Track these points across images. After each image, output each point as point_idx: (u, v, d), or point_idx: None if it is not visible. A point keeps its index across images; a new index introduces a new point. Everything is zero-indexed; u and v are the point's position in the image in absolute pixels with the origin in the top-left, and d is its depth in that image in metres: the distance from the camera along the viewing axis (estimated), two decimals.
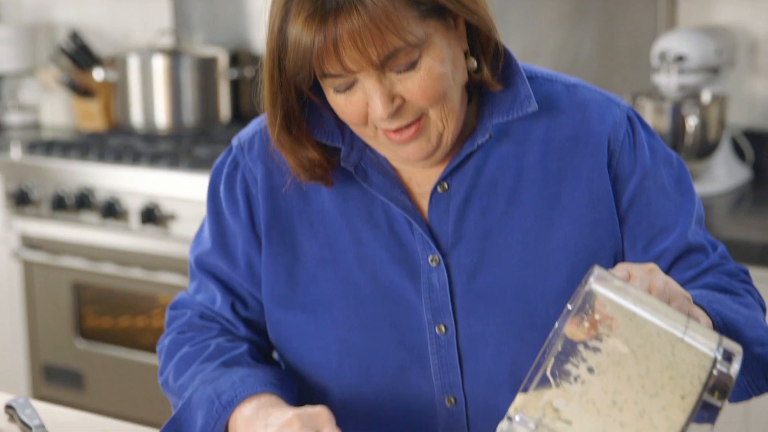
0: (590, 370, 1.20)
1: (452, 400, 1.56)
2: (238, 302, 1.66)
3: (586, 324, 1.20)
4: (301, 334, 1.60)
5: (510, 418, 1.21)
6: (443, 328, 1.55)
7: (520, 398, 1.22)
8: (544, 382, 1.20)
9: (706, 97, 2.98)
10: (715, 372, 1.19)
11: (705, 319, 1.38)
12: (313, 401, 1.62)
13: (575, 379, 1.20)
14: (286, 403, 1.51)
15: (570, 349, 1.20)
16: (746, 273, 1.59)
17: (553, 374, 1.20)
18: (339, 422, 1.58)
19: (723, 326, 1.39)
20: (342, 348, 1.58)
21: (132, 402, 3.48)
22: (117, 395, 3.51)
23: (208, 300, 1.68)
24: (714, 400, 1.19)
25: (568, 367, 1.19)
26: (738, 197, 3.00)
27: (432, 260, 1.56)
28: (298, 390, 1.62)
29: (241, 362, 1.60)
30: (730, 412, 2.61)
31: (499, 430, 1.22)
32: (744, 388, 1.44)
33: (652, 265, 1.33)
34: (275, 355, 1.69)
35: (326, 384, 1.60)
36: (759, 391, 1.45)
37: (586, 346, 1.20)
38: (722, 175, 3.01)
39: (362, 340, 1.57)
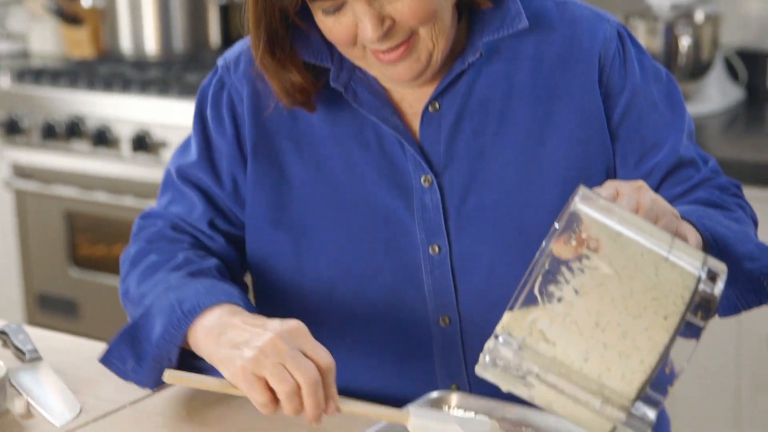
0: (575, 291, 1.20)
1: (446, 319, 1.56)
2: (219, 216, 1.63)
3: (573, 242, 1.20)
4: (292, 256, 1.60)
5: (497, 337, 1.22)
6: (437, 249, 1.55)
7: (506, 317, 1.22)
8: (531, 301, 1.20)
9: (699, 16, 2.96)
10: (698, 291, 1.19)
11: (694, 234, 1.37)
12: (306, 323, 1.61)
13: (559, 300, 1.20)
14: (248, 312, 1.47)
15: (555, 268, 1.20)
16: (738, 187, 1.58)
17: (540, 292, 1.20)
18: (332, 344, 1.58)
19: (712, 241, 1.39)
20: (335, 270, 1.58)
21: None
22: (111, 323, 3.51)
23: (184, 211, 1.64)
24: (697, 320, 1.19)
25: (553, 287, 1.20)
26: (731, 117, 2.99)
27: (424, 180, 1.55)
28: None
29: (208, 275, 1.56)
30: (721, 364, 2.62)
31: (486, 348, 1.22)
32: (733, 303, 1.45)
33: (640, 183, 1.32)
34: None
35: (319, 306, 1.60)
36: (748, 306, 1.46)
37: (570, 267, 1.20)
38: (715, 95, 3.00)
39: (355, 262, 1.57)
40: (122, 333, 1.53)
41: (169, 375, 1.43)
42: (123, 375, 1.54)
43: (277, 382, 1.33)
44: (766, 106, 3.10)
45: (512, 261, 1.52)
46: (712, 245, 1.38)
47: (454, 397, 1.49)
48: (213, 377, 1.42)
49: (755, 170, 2.55)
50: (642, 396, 1.19)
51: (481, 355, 1.22)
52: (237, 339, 1.39)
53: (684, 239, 1.30)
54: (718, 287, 1.20)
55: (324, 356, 1.36)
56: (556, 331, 1.20)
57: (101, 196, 3.42)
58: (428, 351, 1.58)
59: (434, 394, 1.49)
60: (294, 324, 1.39)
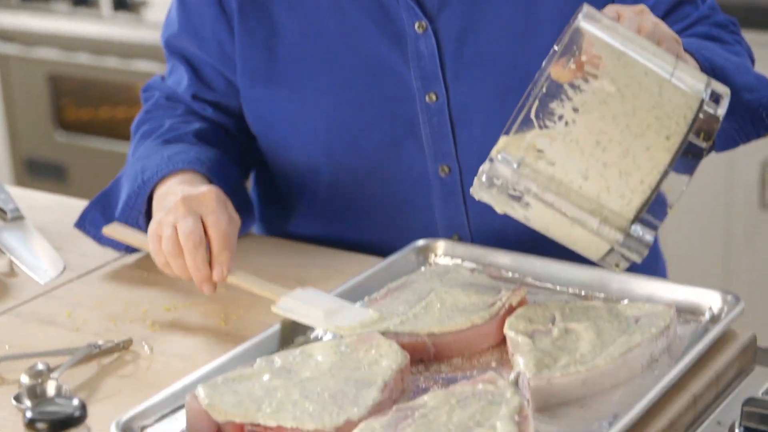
0: (575, 109, 1.17)
1: (446, 169, 1.54)
2: (204, 88, 1.62)
3: (572, 65, 1.17)
4: (287, 112, 1.57)
5: (492, 160, 1.20)
6: (434, 97, 1.52)
7: (502, 140, 1.20)
8: (527, 125, 1.18)
9: None
10: (701, 113, 1.17)
11: (694, 64, 1.35)
12: (304, 181, 1.61)
13: (559, 118, 1.17)
14: (206, 181, 1.49)
15: (555, 90, 1.17)
16: (735, 24, 1.56)
17: (537, 116, 1.17)
18: (332, 199, 1.59)
19: (711, 72, 1.36)
20: (330, 124, 1.55)
21: None
22: (100, 186, 3.50)
23: (175, 83, 1.65)
24: (699, 141, 1.17)
25: (553, 106, 1.17)
26: None
27: (418, 27, 1.51)
28: (238, 175, 1.60)
29: (183, 140, 1.58)
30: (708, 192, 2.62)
31: (481, 171, 1.20)
32: (732, 135, 1.43)
33: (642, 7, 1.29)
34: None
35: (316, 162, 1.58)
36: (746, 138, 1.44)
37: (571, 86, 1.17)
38: None
39: (351, 115, 1.54)
40: (95, 199, 1.58)
41: (108, 229, 1.51)
42: (97, 239, 1.58)
43: (163, 241, 1.38)
44: None
45: (511, 107, 1.48)
46: (711, 76, 1.35)
47: (440, 245, 1.48)
48: (144, 236, 1.46)
49: (748, 13, 2.52)
50: (640, 217, 1.18)
51: (476, 178, 1.21)
52: (165, 203, 1.42)
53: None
54: (722, 109, 1.18)
55: (218, 224, 1.38)
56: (556, 150, 1.18)
57: (83, 58, 3.37)
58: (428, 202, 1.56)
59: (420, 242, 1.48)
60: (205, 190, 1.41)
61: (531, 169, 1.18)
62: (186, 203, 1.39)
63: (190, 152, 1.53)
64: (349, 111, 1.54)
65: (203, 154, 1.54)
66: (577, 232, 1.19)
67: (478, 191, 1.21)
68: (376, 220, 1.59)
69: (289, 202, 1.65)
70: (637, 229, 1.18)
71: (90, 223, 1.57)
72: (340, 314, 1.30)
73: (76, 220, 1.58)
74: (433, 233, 1.55)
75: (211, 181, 1.50)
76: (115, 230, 1.50)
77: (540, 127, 1.17)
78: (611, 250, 1.19)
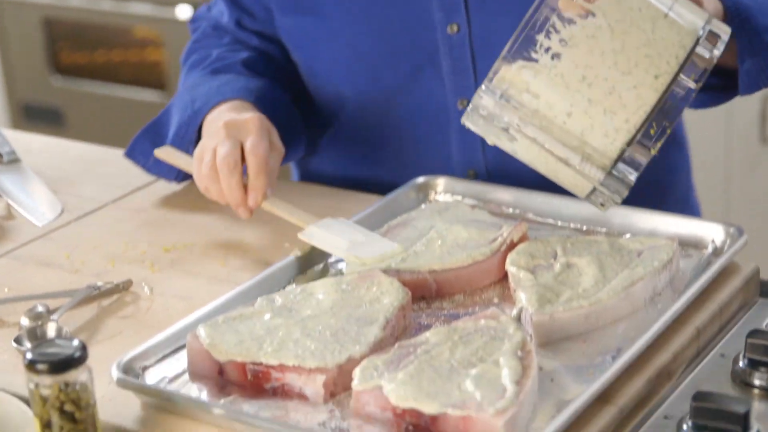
0: (563, 42, 1.16)
1: (465, 102, 1.52)
2: (245, 15, 1.63)
3: None
4: (312, 39, 1.57)
5: (480, 90, 1.19)
6: (455, 28, 1.50)
7: (495, 65, 1.18)
8: (520, 51, 1.17)
9: None
10: (695, 52, 1.15)
11: (714, 1, 1.31)
12: (330, 112, 1.61)
13: (547, 50, 1.16)
14: (254, 109, 1.49)
15: (547, 18, 1.15)
16: None
17: (523, 47, 1.16)
18: (351, 132, 1.59)
19: (734, 10, 1.32)
20: (352, 52, 1.55)
21: (112, 137, 3.46)
22: (97, 130, 3.49)
23: (218, 13, 1.67)
24: (689, 82, 1.15)
25: (541, 38, 1.15)
26: None
27: None
28: (288, 104, 1.60)
29: (232, 70, 1.59)
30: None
31: (478, 92, 1.19)
32: (754, 79, 1.38)
33: None
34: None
35: (339, 90, 1.58)
36: None
37: (560, 17, 1.16)
38: None
39: (372, 44, 1.53)
40: (145, 129, 1.60)
41: (160, 151, 1.52)
42: (146, 168, 1.59)
43: (202, 165, 1.40)
44: None
45: None
46: (734, 14, 1.32)
47: (440, 182, 1.47)
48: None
49: None
50: (624, 157, 1.16)
51: (470, 106, 1.20)
52: (210, 130, 1.44)
53: (699, 3, 1.24)
54: (717, 50, 1.15)
55: (256, 149, 1.38)
56: (541, 83, 1.16)
57: (78, 1, 3.34)
58: (446, 137, 1.55)
59: (420, 179, 1.47)
60: (248, 116, 1.42)
61: (516, 101, 1.17)
62: (228, 128, 1.41)
63: (238, 81, 1.55)
64: (370, 40, 1.53)
65: (252, 83, 1.55)
66: (563, 169, 1.18)
67: (467, 120, 1.20)
68: (395, 154, 1.59)
69: (316, 134, 1.65)
70: (621, 168, 1.16)
71: (140, 153, 1.59)
72: (364, 246, 1.30)
73: (126, 150, 1.60)
74: (450, 169, 1.54)
75: (258, 110, 1.50)
76: (166, 153, 1.52)
77: (526, 59, 1.16)
78: (594, 191, 1.18)
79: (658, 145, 1.16)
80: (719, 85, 1.41)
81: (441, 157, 1.56)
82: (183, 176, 1.57)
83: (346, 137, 1.62)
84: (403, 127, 1.57)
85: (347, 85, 1.56)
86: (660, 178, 1.58)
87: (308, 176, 1.70)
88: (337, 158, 1.65)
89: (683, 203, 1.64)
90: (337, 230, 1.33)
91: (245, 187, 1.39)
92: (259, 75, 1.60)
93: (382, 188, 1.53)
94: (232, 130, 1.40)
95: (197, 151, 1.42)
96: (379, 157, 1.60)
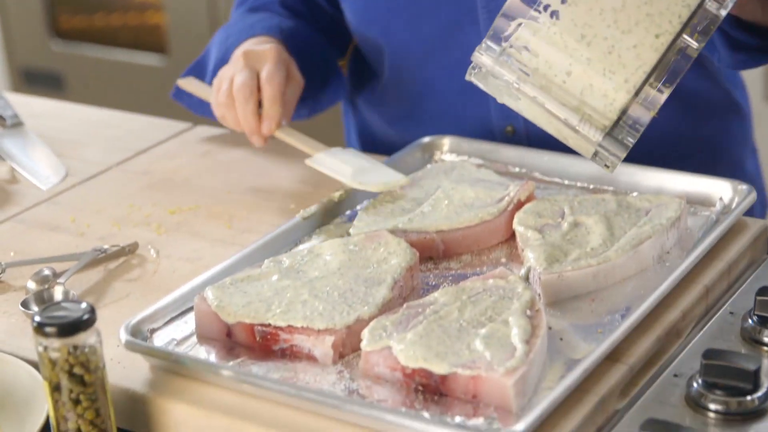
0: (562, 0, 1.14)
1: None
2: None
3: None
4: None
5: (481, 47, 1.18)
6: None
7: (497, 21, 1.17)
8: (514, 13, 1.15)
9: None
10: (701, 10, 1.13)
11: None
12: (369, 64, 1.62)
13: (545, 8, 1.15)
14: (279, 45, 1.50)
15: None
16: None
17: (523, 5, 1.15)
18: (392, 88, 1.60)
19: None
20: (390, 4, 1.54)
21: (113, 101, 3.45)
22: (97, 95, 3.47)
23: None
24: (691, 42, 1.13)
25: None
26: None
27: None
28: (323, 46, 1.62)
29: (269, 9, 1.62)
30: None
31: (477, 50, 1.18)
32: None
33: None
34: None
35: (378, 43, 1.58)
36: None
37: None
38: None
39: None
40: (189, 69, 1.64)
41: (183, 81, 1.58)
42: (192, 108, 1.63)
43: (219, 93, 1.43)
44: None
45: None
46: None
47: (446, 142, 1.46)
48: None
49: None
50: (623, 118, 1.15)
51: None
52: (232, 60, 1.48)
53: None
54: (724, 9, 1.13)
55: (272, 79, 1.41)
56: (540, 41, 1.15)
57: None
58: (484, 92, 1.54)
59: (425, 139, 1.46)
60: (267, 47, 1.45)
61: (515, 60, 1.16)
62: (245, 57, 1.44)
63: (272, 20, 1.58)
64: None
65: (285, 23, 1.57)
66: (563, 129, 1.17)
67: (470, 77, 1.19)
68: (434, 108, 1.58)
69: (357, 88, 1.67)
70: (618, 131, 1.15)
71: (186, 94, 1.62)
72: (369, 173, 1.31)
73: (172, 91, 1.63)
74: (487, 124, 1.54)
75: (287, 48, 1.52)
76: (189, 83, 1.56)
77: (529, 10, 1.15)
78: (597, 154, 1.17)
79: (658, 105, 1.14)
80: (758, 45, 1.37)
81: (479, 112, 1.55)
82: None
83: (387, 95, 1.62)
84: (441, 80, 1.57)
85: (385, 38, 1.57)
86: (715, 143, 1.57)
87: (365, 139, 1.70)
88: (380, 118, 1.65)
89: (737, 170, 1.62)
90: (344, 158, 1.36)
91: (260, 116, 1.41)
92: (297, 15, 1.62)
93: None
94: (250, 60, 1.43)
95: (216, 80, 1.46)
96: (420, 115, 1.60)
